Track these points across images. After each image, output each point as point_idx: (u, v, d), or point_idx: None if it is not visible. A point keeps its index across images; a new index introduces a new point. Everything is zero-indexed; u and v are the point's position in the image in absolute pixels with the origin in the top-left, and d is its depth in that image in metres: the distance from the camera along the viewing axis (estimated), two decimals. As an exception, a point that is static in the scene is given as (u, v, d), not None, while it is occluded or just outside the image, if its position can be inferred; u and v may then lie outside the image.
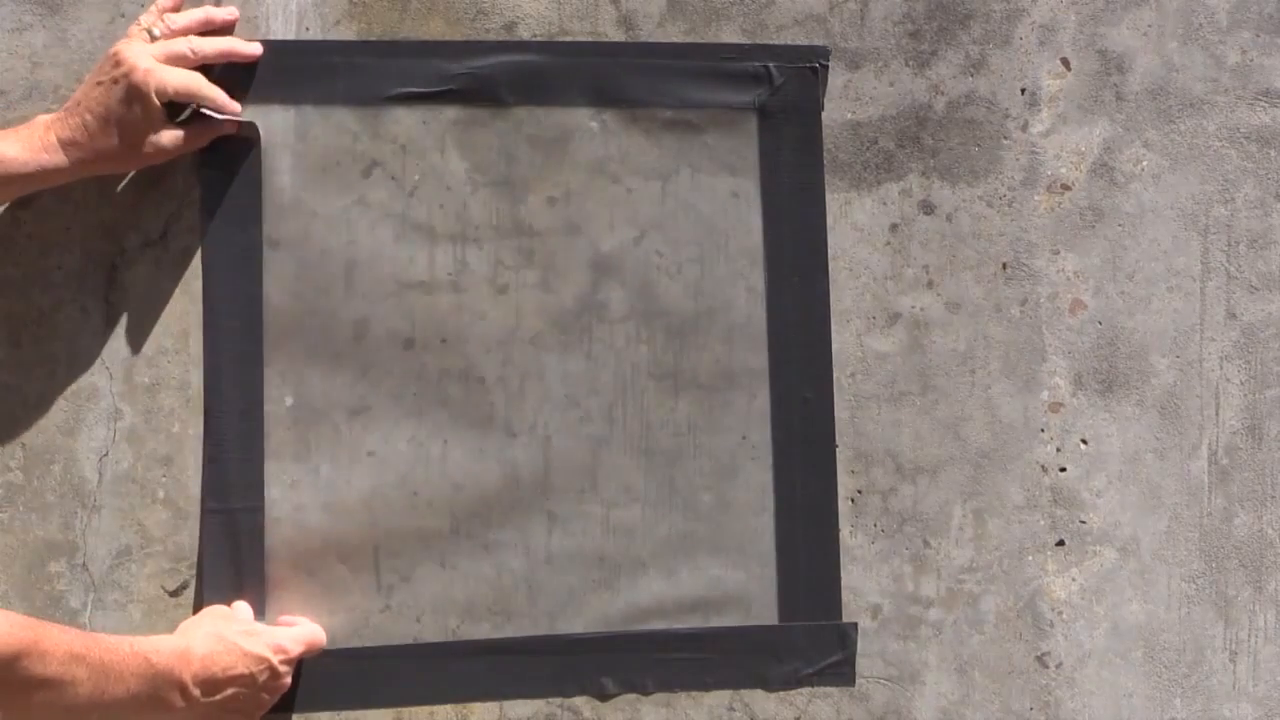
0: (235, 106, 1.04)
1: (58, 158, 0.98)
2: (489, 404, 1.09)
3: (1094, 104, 1.17)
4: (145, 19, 1.03)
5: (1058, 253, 1.16)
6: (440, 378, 1.08)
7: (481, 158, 1.10)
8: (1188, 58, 1.18)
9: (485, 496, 1.08)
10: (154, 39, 1.01)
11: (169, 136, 1.01)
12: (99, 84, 0.99)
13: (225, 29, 1.06)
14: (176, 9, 1.04)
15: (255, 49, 1.05)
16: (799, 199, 1.13)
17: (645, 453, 1.10)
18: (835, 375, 1.12)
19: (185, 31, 1.03)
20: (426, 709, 1.07)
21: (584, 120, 1.11)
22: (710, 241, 1.12)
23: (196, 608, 1.05)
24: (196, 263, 1.06)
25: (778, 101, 1.12)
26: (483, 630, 1.08)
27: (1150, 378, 1.16)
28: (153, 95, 0.98)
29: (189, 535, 1.05)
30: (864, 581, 1.12)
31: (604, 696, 1.09)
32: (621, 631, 1.09)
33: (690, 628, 1.10)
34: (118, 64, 0.99)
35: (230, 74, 1.06)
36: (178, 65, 1.01)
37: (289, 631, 1.02)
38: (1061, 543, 1.15)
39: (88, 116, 0.98)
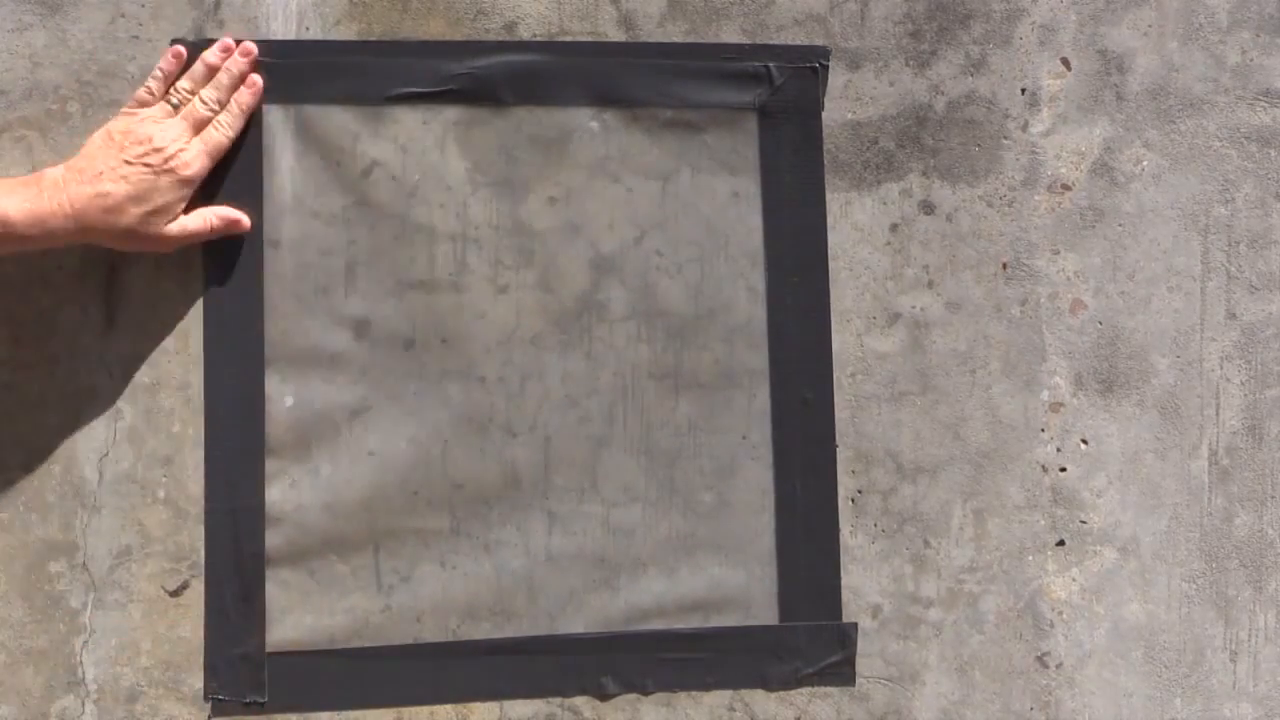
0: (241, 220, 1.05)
1: (66, 224, 0.95)
2: (489, 404, 1.09)
3: (1094, 104, 1.17)
4: (155, 85, 1.02)
5: (1058, 253, 1.16)
6: (440, 378, 1.08)
7: (481, 158, 1.10)
8: (1188, 58, 1.18)
9: (485, 496, 1.08)
10: (175, 109, 1.01)
11: (194, 222, 1.01)
12: (128, 162, 0.97)
13: (225, 58, 1.05)
14: (178, 73, 1.03)
15: (250, 54, 1.05)
16: (799, 199, 1.13)
17: (645, 453, 1.10)
18: (835, 375, 1.12)
19: (197, 89, 1.03)
20: (426, 709, 1.07)
21: (584, 120, 1.11)
22: (710, 241, 1.12)
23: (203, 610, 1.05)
24: (197, 263, 1.06)
25: (778, 101, 1.13)
26: (483, 630, 1.08)
27: (1150, 378, 1.16)
28: (195, 185, 1.00)
29: (189, 535, 1.05)
30: (864, 581, 1.12)
31: (604, 696, 1.09)
32: (621, 631, 1.09)
33: (690, 628, 1.10)
34: (157, 150, 0.98)
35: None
36: (203, 128, 1.02)
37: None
38: (1062, 543, 1.15)
39: (111, 187, 0.96)
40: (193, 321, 1.06)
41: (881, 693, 1.12)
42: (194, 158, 1.00)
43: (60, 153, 1.05)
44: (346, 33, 1.09)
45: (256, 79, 1.05)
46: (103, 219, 0.96)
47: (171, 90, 1.02)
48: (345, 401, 1.07)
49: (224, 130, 1.03)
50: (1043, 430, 1.15)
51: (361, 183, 1.08)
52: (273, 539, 1.06)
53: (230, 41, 1.05)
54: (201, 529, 1.05)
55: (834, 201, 1.14)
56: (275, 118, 1.07)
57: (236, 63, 1.05)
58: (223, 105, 1.04)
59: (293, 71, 1.07)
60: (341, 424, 1.07)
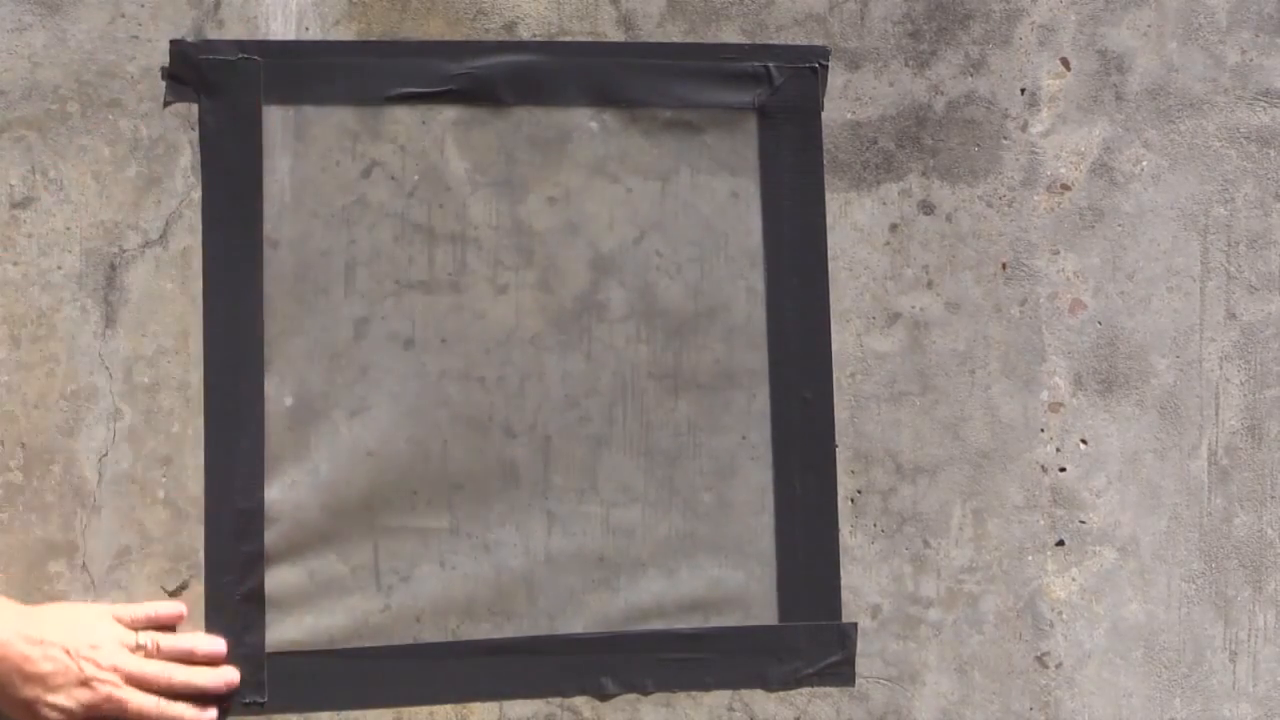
0: None
1: None
2: (488, 404, 1.09)
3: (1094, 104, 1.17)
4: (140, 615, 1.00)
5: (1057, 253, 1.16)
6: (440, 378, 1.08)
7: (481, 158, 1.10)
8: (1188, 58, 1.18)
9: (485, 496, 1.08)
10: (134, 648, 0.98)
11: None
12: (67, 651, 0.95)
13: (205, 661, 1.02)
14: (176, 622, 1.02)
15: (231, 685, 1.02)
16: (799, 199, 1.13)
17: (645, 453, 1.10)
18: (835, 375, 1.12)
19: (167, 658, 1.00)
20: (426, 709, 1.07)
21: (584, 120, 1.11)
22: (710, 241, 1.12)
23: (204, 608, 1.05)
24: (196, 263, 1.06)
25: (778, 101, 1.13)
26: (483, 630, 1.08)
27: (1150, 378, 1.16)
28: (91, 713, 0.96)
29: (189, 535, 1.05)
30: (864, 581, 1.12)
31: (604, 696, 1.09)
32: (621, 631, 1.09)
33: (690, 628, 1.10)
34: (97, 664, 0.95)
35: (227, 78, 1.06)
36: (140, 686, 0.97)
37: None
38: (1061, 543, 1.15)
39: (39, 658, 0.93)
40: (193, 321, 1.06)
41: (881, 693, 1.12)
42: (118, 696, 0.96)
43: (60, 153, 1.05)
44: (346, 33, 1.09)
45: (212, 714, 1.01)
46: (8, 675, 0.94)
47: (148, 635, 0.99)
48: (345, 401, 1.07)
49: (155, 709, 0.98)
50: (1042, 430, 1.15)
51: (361, 183, 1.08)
52: (272, 539, 1.05)
53: (224, 648, 1.02)
54: (201, 529, 1.05)
55: (834, 201, 1.14)
56: (275, 118, 1.07)
57: (215, 681, 1.01)
58: (167, 691, 0.98)
59: (292, 71, 1.07)
60: (341, 424, 1.07)
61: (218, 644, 1.03)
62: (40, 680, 0.94)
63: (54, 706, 0.95)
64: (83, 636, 0.96)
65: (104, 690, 0.96)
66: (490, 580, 1.08)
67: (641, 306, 1.11)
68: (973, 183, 1.15)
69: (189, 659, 1.01)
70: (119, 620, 1.00)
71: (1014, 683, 1.13)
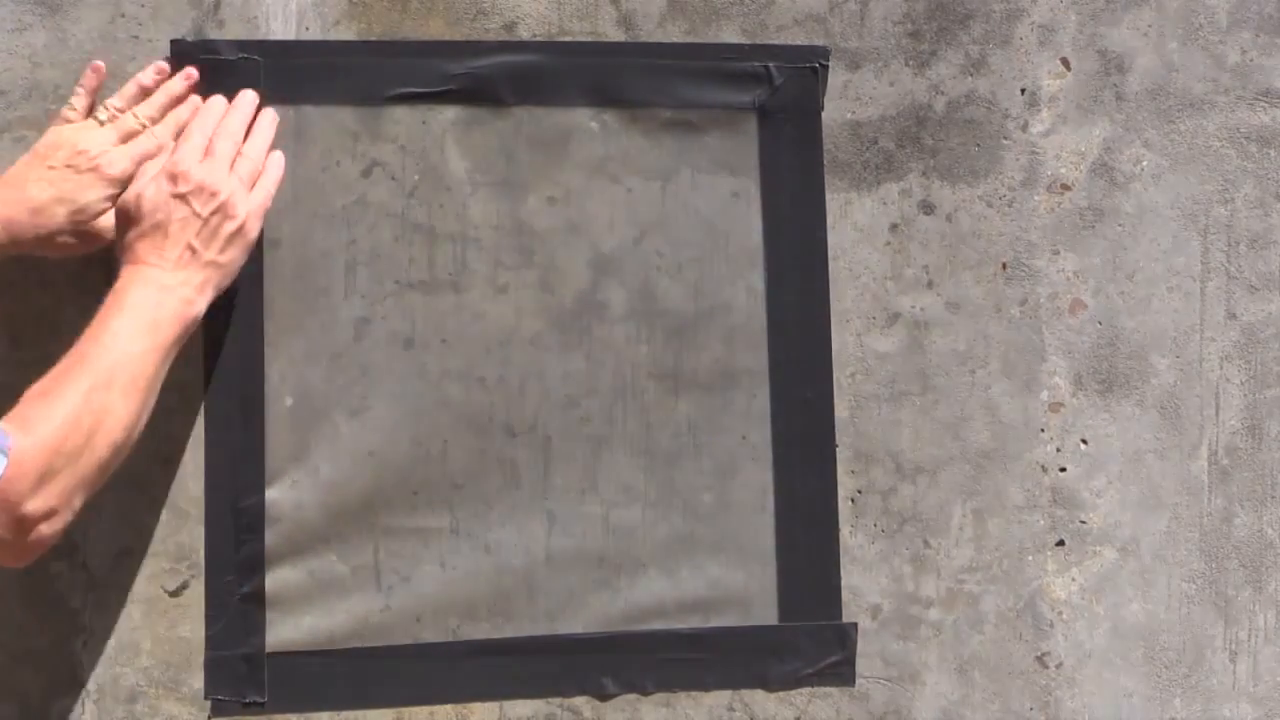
0: None
1: None
2: (489, 404, 1.09)
3: (1094, 104, 1.17)
4: (78, 101, 1.01)
5: (1058, 253, 1.16)
6: (440, 378, 1.08)
7: (481, 158, 1.10)
8: (1188, 58, 1.18)
9: (485, 496, 1.08)
10: (102, 124, 1.00)
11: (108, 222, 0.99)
12: (52, 168, 0.96)
13: (188, 91, 1.03)
14: (100, 85, 1.02)
15: (191, 79, 1.03)
16: (799, 199, 1.13)
17: (645, 453, 1.10)
18: (835, 375, 1.12)
19: (128, 106, 1.01)
20: (426, 709, 1.07)
21: (584, 120, 1.11)
22: (710, 241, 1.12)
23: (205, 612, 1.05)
24: (196, 263, 1.06)
25: (778, 101, 1.13)
26: (483, 630, 1.08)
27: (1150, 378, 1.16)
28: (120, 185, 0.98)
29: (189, 535, 1.05)
30: (864, 581, 1.12)
31: (604, 696, 1.09)
32: (621, 631, 1.09)
33: (690, 628, 1.10)
34: (80, 152, 0.97)
35: (227, 78, 1.06)
36: (132, 139, 1.00)
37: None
38: (1061, 543, 1.15)
39: (35, 191, 0.96)
40: (193, 321, 1.06)
41: (881, 693, 1.12)
42: (118, 158, 0.98)
43: (60, 153, 1.05)
44: (346, 33, 1.09)
45: (196, 99, 1.03)
46: (31, 222, 0.96)
47: (101, 108, 1.01)
48: (345, 401, 1.07)
49: (153, 138, 1.00)
50: (1042, 430, 1.15)
51: (361, 183, 1.08)
52: (273, 539, 1.06)
53: (165, 65, 1.04)
54: (201, 529, 1.05)
55: (834, 201, 1.14)
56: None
57: (177, 84, 1.03)
58: (155, 122, 1.01)
59: (292, 71, 1.07)
60: (341, 424, 1.07)
61: (157, 66, 1.03)
62: (54, 204, 0.96)
63: (83, 210, 0.97)
64: (53, 152, 0.97)
65: (105, 160, 0.97)
66: (490, 580, 1.08)
67: (641, 306, 1.11)
68: (973, 183, 1.15)
69: (147, 92, 1.02)
70: (66, 120, 1.00)
71: (1014, 683, 1.13)
